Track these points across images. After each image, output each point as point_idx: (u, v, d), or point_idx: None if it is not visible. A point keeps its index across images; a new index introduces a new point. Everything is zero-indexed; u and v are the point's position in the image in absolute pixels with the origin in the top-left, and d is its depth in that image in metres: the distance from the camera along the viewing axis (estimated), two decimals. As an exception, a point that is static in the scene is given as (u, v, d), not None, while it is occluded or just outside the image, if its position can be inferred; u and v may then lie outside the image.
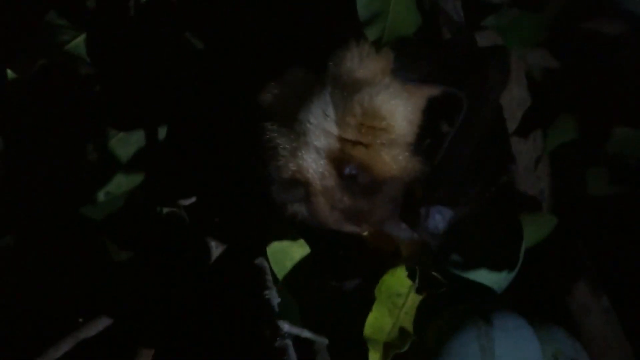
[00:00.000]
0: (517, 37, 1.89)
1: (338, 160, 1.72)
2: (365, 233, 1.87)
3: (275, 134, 1.76)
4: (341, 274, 1.94)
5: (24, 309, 2.29)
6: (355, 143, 1.71)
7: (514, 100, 1.99)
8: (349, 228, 1.79)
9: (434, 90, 1.75)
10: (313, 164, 1.73)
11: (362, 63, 1.75)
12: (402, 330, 1.84)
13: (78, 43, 2.12)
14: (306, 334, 1.81)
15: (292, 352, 1.76)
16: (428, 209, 1.78)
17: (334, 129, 1.71)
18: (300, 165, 1.74)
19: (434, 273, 1.87)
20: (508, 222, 1.90)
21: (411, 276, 1.87)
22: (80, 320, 2.12)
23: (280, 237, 1.92)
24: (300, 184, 1.75)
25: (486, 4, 1.92)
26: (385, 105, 1.72)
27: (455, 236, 1.86)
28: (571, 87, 2.02)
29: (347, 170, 1.70)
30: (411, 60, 1.78)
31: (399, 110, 1.73)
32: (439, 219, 1.79)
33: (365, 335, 1.82)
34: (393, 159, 1.73)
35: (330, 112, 1.72)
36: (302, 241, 1.91)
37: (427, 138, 1.77)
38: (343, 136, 1.71)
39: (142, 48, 2.18)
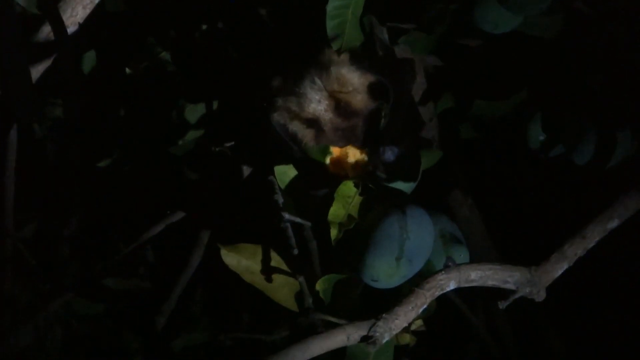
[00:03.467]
0: (418, 48, 2.38)
1: (333, 100, 2.27)
2: (329, 162, 2.33)
3: (285, 103, 2.31)
4: (315, 185, 2.36)
5: (133, 207, 2.97)
6: (339, 92, 2.27)
7: (418, 84, 2.48)
8: (341, 142, 2.31)
9: (372, 78, 2.29)
10: (318, 106, 2.27)
11: (333, 54, 2.28)
12: (350, 216, 2.27)
13: (165, 54, 2.72)
14: (298, 220, 2.29)
15: (290, 231, 2.27)
16: (385, 147, 2.30)
17: (321, 87, 2.26)
18: (310, 111, 2.27)
19: (369, 184, 2.32)
20: (414, 154, 2.31)
21: (356, 185, 2.31)
22: (167, 212, 2.72)
23: (281, 164, 2.35)
24: (313, 122, 2.27)
25: (400, 29, 2.38)
26: (346, 73, 2.29)
27: (390, 170, 2.31)
28: (450, 76, 2.54)
29: (341, 104, 2.27)
30: (360, 61, 2.31)
31: (352, 76, 2.29)
32: (390, 154, 2.30)
33: (328, 219, 2.25)
34: (360, 98, 2.28)
35: (316, 80, 2.27)
36: (292, 166, 2.35)
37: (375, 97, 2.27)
38: (329, 89, 2.26)
39: (202, 59, 2.71)
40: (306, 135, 2.31)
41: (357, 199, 2.31)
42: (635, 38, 2.31)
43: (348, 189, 2.33)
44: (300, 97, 2.29)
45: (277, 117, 2.34)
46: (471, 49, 2.46)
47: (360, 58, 2.31)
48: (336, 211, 2.28)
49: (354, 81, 2.29)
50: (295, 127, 2.32)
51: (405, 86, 2.39)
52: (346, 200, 2.30)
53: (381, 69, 2.32)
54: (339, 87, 2.27)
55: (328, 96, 2.27)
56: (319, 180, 2.37)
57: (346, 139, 2.31)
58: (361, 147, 2.33)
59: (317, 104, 2.27)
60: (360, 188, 2.33)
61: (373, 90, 2.29)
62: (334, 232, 2.24)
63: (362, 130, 2.30)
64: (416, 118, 2.49)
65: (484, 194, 2.63)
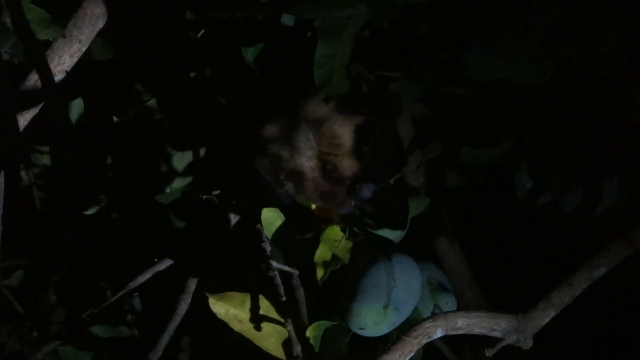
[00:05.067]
0: (406, 96, 2.34)
1: (322, 162, 2.26)
2: (315, 207, 2.33)
3: (277, 151, 2.31)
4: (302, 231, 2.39)
5: (120, 255, 2.96)
6: (328, 153, 2.26)
7: (405, 132, 2.49)
8: (320, 203, 2.32)
9: (360, 119, 2.29)
10: (307, 162, 2.27)
11: (321, 107, 2.26)
12: (336, 257, 2.30)
13: (153, 102, 2.68)
14: (285, 267, 2.29)
15: (278, 279, 2.26)
16: (361, 185, 2.29)
17: (313, 146, 2.27)
18: (298, 164, 2.27)
19: (355, 229, 2.36)
20: (400, 201, 2.34)
21: (343, 230, 2.36)
22: (155, 260, 2.63)
23: (269, 211, 2.36)
24: (297, 174, 2.28)
25: (388, 77, 2.33)
26: (338, 130, 2.28)
27: (371, 207, 2.33)
28: (437, 124, 2.55)
29: (329, 167, 2.26)
30: (347, 104, 2.27)
31: (345, 131, 2.28)
32: (367, 191, 2.29)
33: (314, 261, 2.28)
34: (349, 164, 2.28)
35: (310, 136, 2.27)
36: (281, 213, 2.36)
37: (360, 146, 2.26)
38: (319, 149, 2.26)
39: (190, 106, 2.70)
40: (287, 185, 2.31)
41: (344, 243, 2.35)
42: (623, 85, 2.27)
43: (334, 234, 2.37)
44: (293, 148, 2.29)
45: (265, 162, 2.34)
46: (459, 97, 2.44)
47: (345, 100, 2.26)
48: (322, 253, 2.31)
49: (346, 140, 2.29)
50: (281, 174, 2.31)
51: (389, 121, 2.37)
52: (332, 244, 2.34)
53: (365, 104, 2.33)
54: (329, 149, 2.27)
55: (318, 155, 2.28)
56: (305, 225, 2.39)
57: (324, 202, 2.33)
58: (336, 210, 2.35)
59: (307, 160, 2.28)
60: (347, 233, 2.37)
61: (359, 136, 2.29)
62: (319, 273, 2.26)
63: (342, 199, 2.31)
64: (402, 161, 2.52)
65: (471, 242, 2.64)
